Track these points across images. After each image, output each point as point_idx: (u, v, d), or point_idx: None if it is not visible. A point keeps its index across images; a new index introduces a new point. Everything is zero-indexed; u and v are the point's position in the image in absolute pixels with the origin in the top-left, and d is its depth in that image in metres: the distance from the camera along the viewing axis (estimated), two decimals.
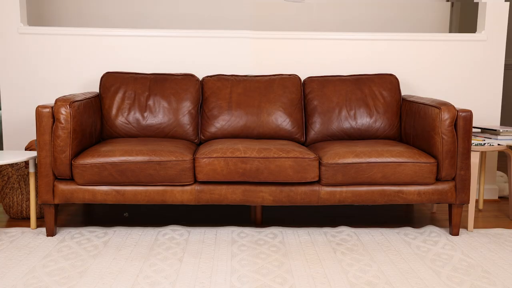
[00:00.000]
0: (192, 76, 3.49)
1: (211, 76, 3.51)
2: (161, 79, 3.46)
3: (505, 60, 5.94)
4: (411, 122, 3.26)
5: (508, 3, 3.69)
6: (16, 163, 3.19)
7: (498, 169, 4.78)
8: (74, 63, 3.63)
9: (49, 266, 2.47)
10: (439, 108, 2.92)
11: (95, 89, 3.63)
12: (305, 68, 3.72)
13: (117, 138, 3.31)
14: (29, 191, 3.18)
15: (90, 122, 3.11)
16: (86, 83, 3.64)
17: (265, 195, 2.90)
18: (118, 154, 2.85)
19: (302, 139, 3.43)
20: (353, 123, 3.41)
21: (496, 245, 2.83)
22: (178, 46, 3.66)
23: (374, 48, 3.73)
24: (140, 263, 2.51)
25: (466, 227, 3.14)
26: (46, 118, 2.81)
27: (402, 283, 2.31)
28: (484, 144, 3.11)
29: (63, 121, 2.81)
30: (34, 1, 4.20)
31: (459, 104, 3.79)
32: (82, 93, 3.19)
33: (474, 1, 3.96)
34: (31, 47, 3.59)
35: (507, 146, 3.24)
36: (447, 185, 2.94)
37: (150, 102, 3.38)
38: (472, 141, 3.11)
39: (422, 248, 2.77)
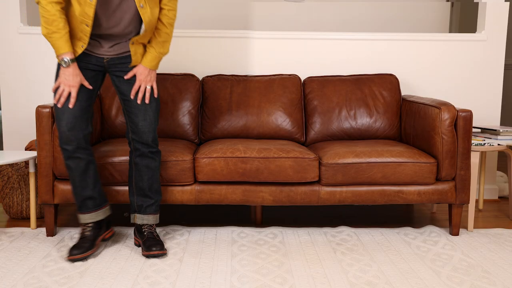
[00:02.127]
0: (192, 76, 3.49)
1: (211, 76, 3.51)
2: (161, 79, 3.46)
3: (505, 60, 5.95)
4: (411, 122, 3.26)
5: (508, 3, 3.69)
6: (16, 163, 3.19)
7: (498, 169, 4.78)
8: None
9: (49, 266, 2.47)
10: (439, 108, 2.92)
11: None
12: (305, 68, 3.72)
13: (117, 138, 3.31)
14: (29, 191, 3.18)
15: None
16: None
17: (265, 195, 2.90)
18: (118, 154, 2.85)
19: (302, 139, 3.43)
20: (353, 123, 3.41)
21: (496, 245, 2.83)
22: (178, 46, 3.66)
23: (374, 48, 3.73)
24: (140, 263, 2.51)
25: (466, 227, 3.14)
26: (46, 118, 2.80)
27: (402, 283, 2.31)
28: (484, 144, 3.11)
29: None
30: (34, 1, 4.20)
31: (459, 104, 3.79)
32: None
33: (474, 1, 3.96)
34: (31, 47, 3.59)
35: (507, 146, 3.24)
36: (447, 185, 2.94)
37: None
38: (472, 141, 3.11)
39: (422, 248, 2.77)
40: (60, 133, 2.51)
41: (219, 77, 3.50)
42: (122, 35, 2.51)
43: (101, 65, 2.56)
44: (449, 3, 4.54)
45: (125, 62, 2.57)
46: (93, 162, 2.61)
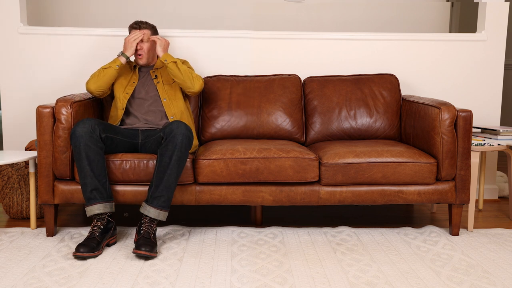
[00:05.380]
0: None
1: (211, 77, 3.51)
2: None
3: (505, 60, 5.95)
4: (411, 122, 3.26)
5: (508, 3, 3.69)
6: (16, 163, 3.19)
7: (498, 169, 4.78)
8: (74, 63, 3.63)
9: (49, 266, 2.47)
10: (439, 108, 2.92)
11: None
12: (305, 68, 3.72)
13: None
14: (29, 191, 3.18)
15: None
16: None
17: (265, 195, 2.90)
18: (119, 155, 2.85)
19: (302, 139, 3.43)
20: (353, 123, 3.41)
21: (496, 245, 2.83)
22: (178, 46, 3.66)
23: (374, 48, 3.73)
24: (140, 263, 2.51)
25: (466, 227, 3.14)
26: (46, 118, 2.81)
27: (402, 283, 2.31)
28: (484, 144, 3.12)
29: (64, 122, 2.81)
30: (34, 1, 4.20)
31: (459, 104, 3.79)
32: (82, 93, 3.19)
33: (474, 1, 3.96)
34: (31, 47, 3.59)
35: (507, 146, 3.25)
36: (447, 185, 2.94)
37: None
38: (472, 141, 3.11)
39: (422, 248, 2.77)
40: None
41: (219, 78, 3.50)
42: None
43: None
44: (449, 3, 4.54)
45: None
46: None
